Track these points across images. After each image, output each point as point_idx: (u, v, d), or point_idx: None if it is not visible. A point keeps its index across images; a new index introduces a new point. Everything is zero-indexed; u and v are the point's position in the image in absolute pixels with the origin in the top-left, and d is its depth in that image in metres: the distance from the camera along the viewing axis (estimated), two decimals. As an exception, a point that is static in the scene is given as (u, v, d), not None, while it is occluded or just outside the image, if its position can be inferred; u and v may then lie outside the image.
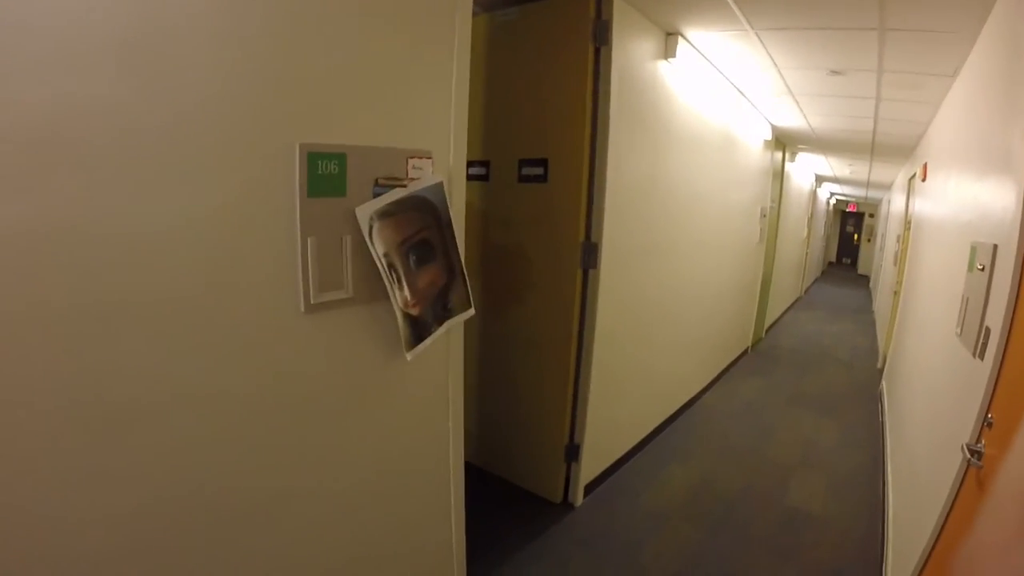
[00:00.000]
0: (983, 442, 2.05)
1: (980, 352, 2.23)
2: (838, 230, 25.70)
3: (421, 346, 2.29)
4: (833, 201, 22.05)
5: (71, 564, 1.48)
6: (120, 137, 1.40)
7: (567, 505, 4.02)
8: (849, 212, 24.75)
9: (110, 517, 1.52)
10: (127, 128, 1.41)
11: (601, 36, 3.38)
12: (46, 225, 1.30)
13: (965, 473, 2.17)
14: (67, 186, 1.33)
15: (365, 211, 1.98)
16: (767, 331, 10.15)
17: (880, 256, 13.65)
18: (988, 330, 2.19)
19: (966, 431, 2.18)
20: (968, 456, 2.02)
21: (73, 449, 1.42)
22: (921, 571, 2.47)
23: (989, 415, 2.05)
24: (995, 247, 2.26)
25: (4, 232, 1.24)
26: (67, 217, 1.33)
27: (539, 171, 3.70)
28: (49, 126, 1.28)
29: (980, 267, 2.39)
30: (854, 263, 24.60)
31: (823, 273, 21.89)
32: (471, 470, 2.76)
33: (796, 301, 14.15)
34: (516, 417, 4.15)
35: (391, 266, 2.08)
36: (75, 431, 1.42)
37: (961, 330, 2.59)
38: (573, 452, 3.99)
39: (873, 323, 11.82)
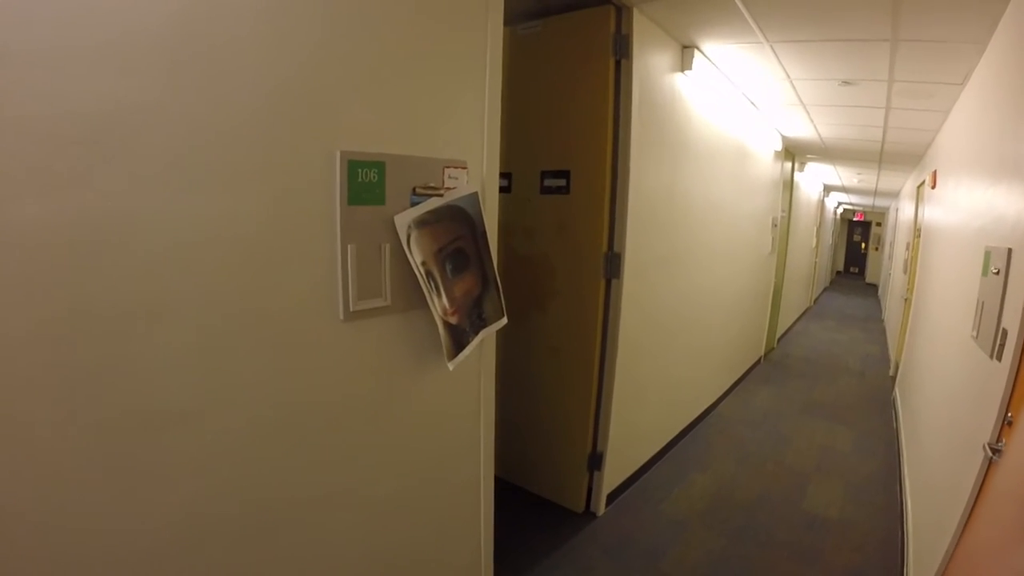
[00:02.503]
0: (1003, 440, 2.07)
1: (997, 354, 2.25)
2: (845, 239, 25.62)
3: (461, 355, 2.32)
4: (840, 210, 22.02)
5: (115, 565, 1.50)
6: (166, 140, 1.43)
7: (589, 514, 4.04)
8: (856, 221, 24.68)
9: (150, 520, 1.55)
10: (173, 132, 1.45)
11: (621, 49, 3.44)
12: (90, 224, 1.32)
13: (987, 471, 2.20)
14: (114, 185, 1.35)
15: (404, 219, 2.02)
16: (779, 341, 10.14)
17: (888, 264, 13.59)
18: (1005, 332, 2.20)
19: (986, 431, 2.20)
20: (990, 455, 2.05)
21: (111, 452, 1.44)
22: (947, 566, 2.49)
23: (1009, 414, 2.07)
24: (1009, 251, 2.28)
25: (48, 228, 1.26)
26: (111, 217, 1.36)
27: (561, 182, 3.74)
28: (98, 123, 1.31)
29: (995, 271, 2.41)
30: (862, 272, 24.49)
31: (831, 283, 21.81)
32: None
33: (806, 311, 14.12)
34: (538, 426, 4.17)
35: (429, 274, 2.12)
36: (115, 434, 1.44)
37: (977, 333, 2.60)
38: (596, 461, 4.00)
39: (883, 331, 11.80)
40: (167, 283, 1.49)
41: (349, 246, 1.90)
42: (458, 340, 2.30)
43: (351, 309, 1.94)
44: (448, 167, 2.21)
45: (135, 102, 1.37)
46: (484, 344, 2.55)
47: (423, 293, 2.13)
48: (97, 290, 1.37)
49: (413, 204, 2.08)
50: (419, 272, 2.08)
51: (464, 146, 2.32)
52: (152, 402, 1.51)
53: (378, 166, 1.96)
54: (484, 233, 2.36)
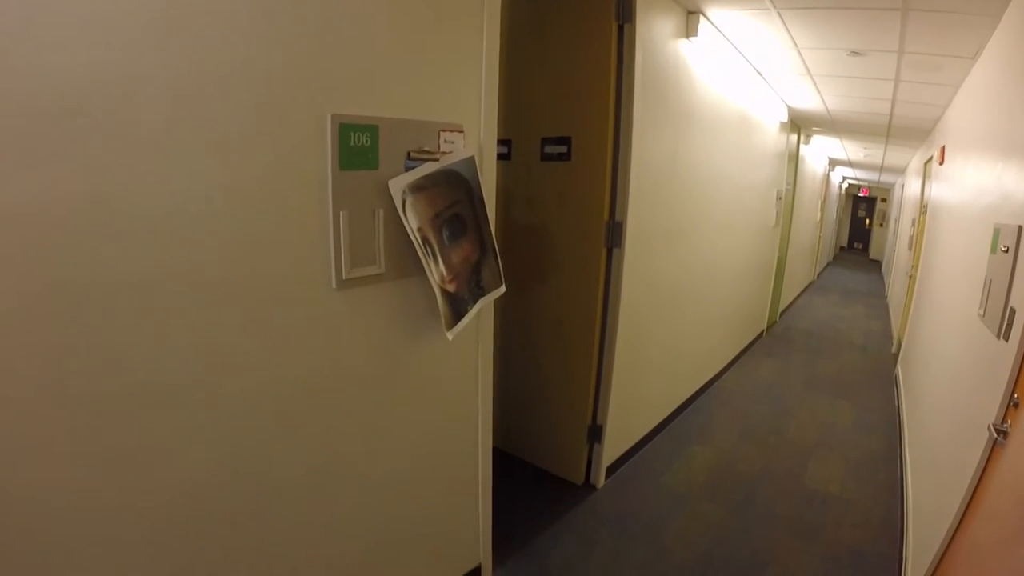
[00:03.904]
0: (1008, 422, 2.04)
1: (1004, 333, 2.22)
2: (850, 214, 25.53)
3: (460, 324, 2.29)
4: (845, 185, 21.94)
5: (112, 544, 1.50)
6: (151, 108, 1.40)
7: (589, 486, 4.03)
8: (861, 196, 24.58)
9: (146, 497, 1.53)
10: (158, 98, 1.41)
11: (625, 14, 3.35)
12: (76, 197, 1.30)
13: (991, 453, 2.17)
14: (98, 157, 1.32)
15: (398, 184, 1.98)
16: (781, 314, 10.12)
17: (893, 241, 13.56)
18: (1013, 311, 2.17)
19: (991, 412, 2.17)
20: (994, 435, 2.02)
21: (107, 429, 1.43)
22: (946, 550, 2.48)
23: (1015, 395, 2.04)
24: (1020, 228, 2.23)
25: (33, 203, 1.23)
26: (98, 189, 1.33)
27: (562, 149, 3.66)
28: (80, 95, 1.27)
29: (1004, 248, 2.36)
30: (866, 248, 24.42)
31: (835, 258, 21.79)
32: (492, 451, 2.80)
33: (809, 285, 14.10)
34: (538, 398, 4.15)
35: (425, 241, 2.07)
36: (108, 411, 1.42)
37: (984, 312, 2.56)
38: (596, 433, 3.98)
39: (886, 307, 11.78)
40: (156, 255, 1.46)
41: (341, 212, 1.87)
42: (457, 309, 2.26)
43: (344, 277, 1.91)
44: (444, 131, 2.16)
45: (119, 71, 1.34)
46: (482, 313, 2.52)
47: (417, 260, 2.10)
48: (86, 265, 1.34)
49: (408, 169, 2.03)
50: (415, 239, 2.04)
51: (461, 109, 2.27)
52: (144, 377, 1.49)
53: (371, 130, 1.91)
54: (481, 198, 2.31)
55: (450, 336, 2.26)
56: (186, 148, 1.48)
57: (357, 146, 1.87)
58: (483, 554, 2.92)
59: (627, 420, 4.27)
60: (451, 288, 2.22)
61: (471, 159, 2.25)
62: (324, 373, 1.95)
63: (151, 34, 1.37)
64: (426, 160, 2.08)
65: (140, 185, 1.40)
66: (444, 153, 2.16)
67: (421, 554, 2.56)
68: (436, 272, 2.13)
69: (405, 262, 2.10)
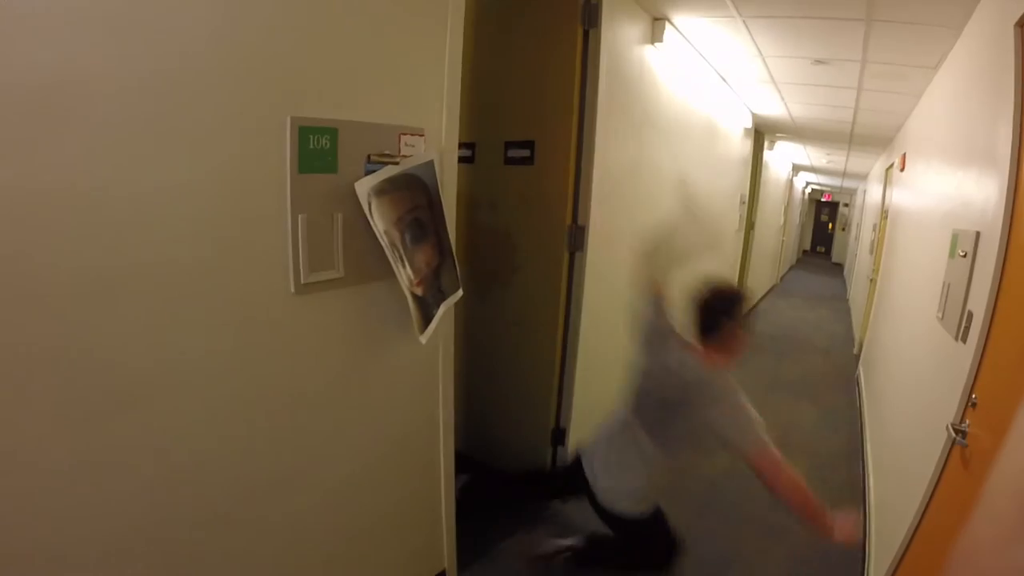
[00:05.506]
0: (967, 422, 2.08)
1: (962, 335, 2.26)
2: (813, 219, 25.86)
3: (431, 327, 2.28)
4: (808, 190, 22.19)
5: (66, 553, 1.46)
6: (110, 109, 1.37)
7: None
8: (824, 201, 24.91)
9: (99, 507, 1.50)
10: (117, 100, 1.38)
11: (591, 19, 3.34)
12: (32, 197, 1.27)
13: (949, 452, 2.20)
14: (56, 157, 1.30)
15: (364, 186, 1.95)
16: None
17: (855, 245, 13.75)
18: (971, 314, 2.22)
19: (950, 412, 2.20)
20: (953, 435, 2.06)
21: (58, 435, 1.40)
22: (908, 546, 2.50)
23: (973, 396, 2.08)
24: (978, 234, 2.28)
25: None
26: (54, 190, 1.31)
27: (526, 153, 3.66)
28: (40, 95, 1.25)
29: (962, 253, 2.41)
30: (828, 252, 24.75)
31: (798, 261, 22.02)
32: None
33: (772, 288, 14.21)
34: (500, 402, 4.13)
35: (392, 244, 2.05)
36: (62, 414, 1.39)
37: (943, 315, 2.61)
38: (559, 436, 3.97)
39: (848, 310, 11.93)
40: (108, 255, 1.43)
41: (300, 216, 1.84)
42: (425, 312, 2.25)
43: (303, 281, 1.89)
44: (405, 134, 2.14)
45: (78, 70, 1.31)
46: (443, 317, 2.50)
47: (378, 265, 2.08)
48: (43, 268, 1.32)
49: (368, 172, 2.00)
50: (384, 241, 2.02)
51: (422, 113, 2.25)
52: (98, 381, 1.46)
53: (330, 132, 1.89)
54: (440, 203, 2.29)
55: (423, 340, 2.25)
56: (145, 150, 1.45)
57: (316, 149, 1.85)
58: (447, 559, 2.89)
59: (590, 423, 4.22)
60: (419, 291, 2.20)
61: (430, 163, 2.23)
62: (283, 377, 1.92)
63: (112, 32, 1.35)
64: (386, 164, 2.06)
65: (97, 187, 1.37)
66: (404, 157, 2.13)
67: (385, 561, 2.54)
68: (404, 275, 2.11)
69: (365, 267, 2.08)
